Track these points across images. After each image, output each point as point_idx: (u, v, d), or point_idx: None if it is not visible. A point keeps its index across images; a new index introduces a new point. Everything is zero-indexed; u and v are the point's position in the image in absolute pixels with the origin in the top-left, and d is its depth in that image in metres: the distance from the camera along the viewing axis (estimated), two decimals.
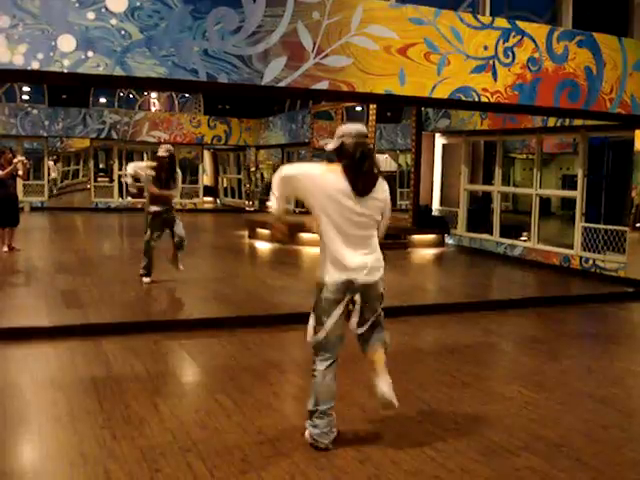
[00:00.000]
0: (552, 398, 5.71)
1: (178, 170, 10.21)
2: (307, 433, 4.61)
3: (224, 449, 4.44)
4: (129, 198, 25.23)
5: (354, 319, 4.52)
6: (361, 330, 4.57)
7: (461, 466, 4.28)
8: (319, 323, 4.57)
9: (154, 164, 9.98)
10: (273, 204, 4.59)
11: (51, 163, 28.12)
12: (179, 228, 10.05)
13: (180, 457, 4.29)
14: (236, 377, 6.04)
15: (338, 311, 4.48)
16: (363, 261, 4.42)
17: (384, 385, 4.58)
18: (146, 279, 10.11)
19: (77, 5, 6.31)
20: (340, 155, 4.46)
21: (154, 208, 9.93)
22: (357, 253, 4.42)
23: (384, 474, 4.13)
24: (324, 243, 4.48)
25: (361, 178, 4.37)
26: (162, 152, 9.94)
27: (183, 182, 25.44)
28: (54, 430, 4.78)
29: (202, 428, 4.80)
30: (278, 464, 4.23)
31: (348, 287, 4.43)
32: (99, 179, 27.84)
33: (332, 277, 4.42)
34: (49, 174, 26.19)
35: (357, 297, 4.46)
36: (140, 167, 10.14)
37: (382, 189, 4.51)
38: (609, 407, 5.54)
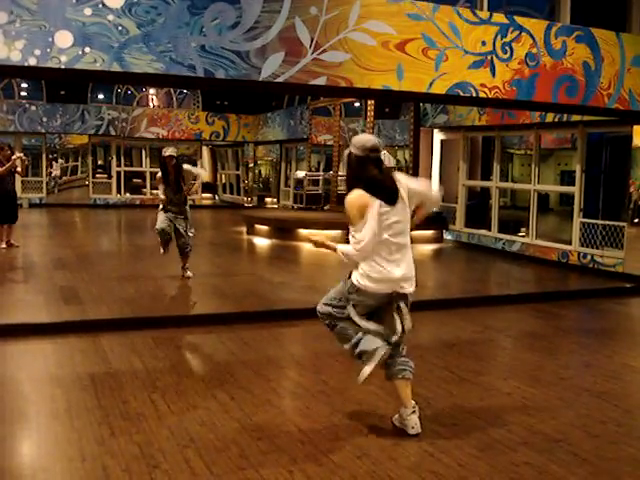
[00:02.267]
0: (550, 393, 5.72)
1: (185, 166, 10.23)
2: (361, 373, 4.63)
3: (222, 445, 4.44)
4: (128, 195, 25.24)
5: (406, 320, 4.66)
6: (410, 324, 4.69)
7: (459, 461, 4.28)
8: (343, 308, 4.73)
9: (158, 173, 10.10)
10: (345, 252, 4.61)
11: (53, 162, 28.15)
12: (182, 237, 10.13)
13: (178, 453, 4.30)
14: (234, 373, 6.04)
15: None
16: (406, 273, 4.62)
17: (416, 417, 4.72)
18: (161, 250, 10.29)
19: (74, 1, 6.30)
20: (347, 165, 4.63)
21: (167, 207, 10.10)
22: (403, 264, 4.60)
23: (382, 469, 4.13)
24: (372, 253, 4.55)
25: (386, 188, 4.52)
26: (169, 152, 9.98)
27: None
28: (52, 426, 4.78)
29: (200, 424, 4.81)
30: (276, 460, 4.23)
31: (391, 297, 4.61)
32: (97, 175, 27.81)
33: (377, 287, 4.56)
34: (51, 172, 26.21)
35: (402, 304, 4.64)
36: (163, 191, 10.16)
37: (401, 186, 4.60)
38: (607, 402, 5.54)
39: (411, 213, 4.71)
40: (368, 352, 4.58)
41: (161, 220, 10.03)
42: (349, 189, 4.61)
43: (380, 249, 4.53)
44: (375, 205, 4.46)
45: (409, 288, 4.65)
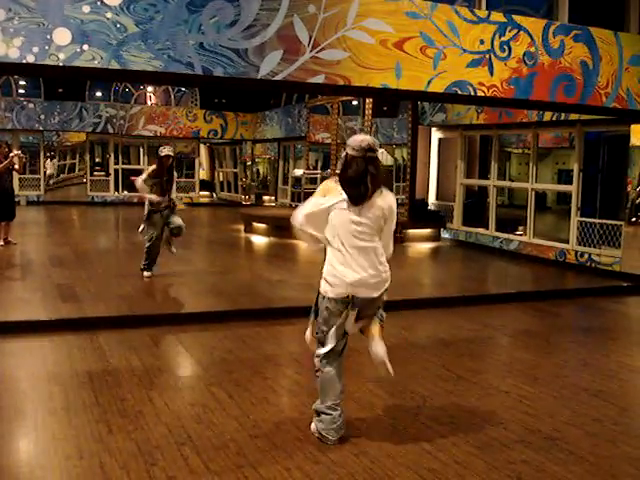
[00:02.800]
0: (547, 392, 5.73)
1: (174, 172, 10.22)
2: (313, 427, 4.62)
3: (220, 443, 4.45)
4: (125, 192, 25.25)
5: (349, 324, 4.55)
6: (354, 330, 4.61)
7: (456, 459, 4.29)
8: (320, 331, 4.59)
9: (153, 167, 10.03)
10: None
11: (48, 161, 28.14)
12: (176, 219, 10.07)
13: (176, 450, 4.30)
14: (232, 371, 6.05)
15: (340, 321, 4.50)
16: (363, 277, 4.44)
17: (378, 347, 4.58)
18: (147, 273, 10.15)
19: None
20: (343, 165, 4.53)
21: (154, 207, 10.03)
22: (359, 268, 4.44)
23: (380, 467, 4.14)
24: (329, 254, 4.52)
25: (354, 188, 4.40)
26: (167, 151, 9.96)
27: (179, 176, 25.35)
28: (50, 423, 4.78)
29: (198, 422, 4.81)
30: (274, 458, 4.24)
31: (349, 301, 4.47)
32: (95, 173, 27.81)
33: (334, 291, 4.45)
34: (45, 171, 26.20)
35: (354, 311, 4.50)
36: (143, 179, 10.06)
37: (385, 199, 4.50)
38: (604, 401, 5.56)
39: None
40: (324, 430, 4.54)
41: (153, 230, 10.03)
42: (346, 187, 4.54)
43: (336, 248, 4.46)
44: (339, 198, 4.42)
45: (370, 293, 4.49)
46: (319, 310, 4.56)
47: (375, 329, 4.63)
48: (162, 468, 4.05)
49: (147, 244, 10.05)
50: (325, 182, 4.61)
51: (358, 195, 4.40)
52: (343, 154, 4.59)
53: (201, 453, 4.28)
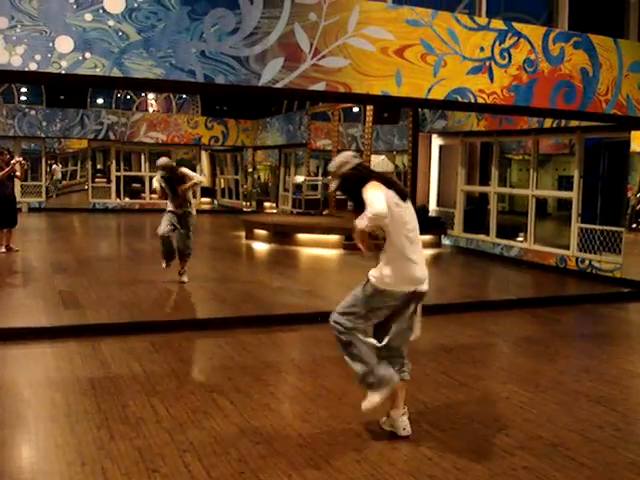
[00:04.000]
0: (548, 398, 5.74)
1: (184, 171, 10.22)
2: (369, 401, 4.65)
3: (221, 449, 4.46)
4: (127, 199, 25.33)
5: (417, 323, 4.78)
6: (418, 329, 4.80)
7: (457, 466, 4.30)
8: (361, 316, 4.67)
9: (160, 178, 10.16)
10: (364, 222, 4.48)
11: (55, 166, 28.25)
12: (181, 242, 10.22)
13: (177, 457, 4.31)
14: (233, 377, 6.06)
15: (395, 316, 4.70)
16: (425, 272, 4.73)
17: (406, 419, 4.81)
18: (163, 264, 10.34)
19: (75, 6, 6.34)
20: (347, 182, 4.63)
21: (170, 208, 10.22)
22: (422, 262, 4.71)
23: (381, 474, 4.15)
24: (391, 252, 4.59)
25: (394, 185, 4.62)
26: (158, 164, 10.11)
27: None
28: (52, 430, 4.79)
29: (199, 428, 4.82)
30: (275, 464, 4.25)
31: (410, 296, 4.65)
32: (97, 180, 27.84)
33: (399, 286, 4.59)
34: (52, 176, 26.29)
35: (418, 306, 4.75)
36: (157, 179, 10.23)
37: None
38: (605, 407, 5.56)
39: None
40: (385, 379, 4.59)
41: (164, 224, 10.09)
42: (353, 195, 4.61)
43: (400, 246, 4.56)
44: (391, 193, 4.52)
45: (426, 287, 4.72)
46: (367, 298, 4.64)
47: (402, 394, 4.83)
48: (164, 475, 4.06)
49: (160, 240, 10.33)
50: (370, 185, 4.49)
51: (402, 190, 4.65)
52: (351, 165, 4.65)
53: (202, 459, 4.29)
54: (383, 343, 4.69)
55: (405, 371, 4.78)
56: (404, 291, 4.59)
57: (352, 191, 4.62)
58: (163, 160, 10.17)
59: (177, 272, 10.32)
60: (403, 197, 4.60)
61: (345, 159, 4.71)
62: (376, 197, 4.34)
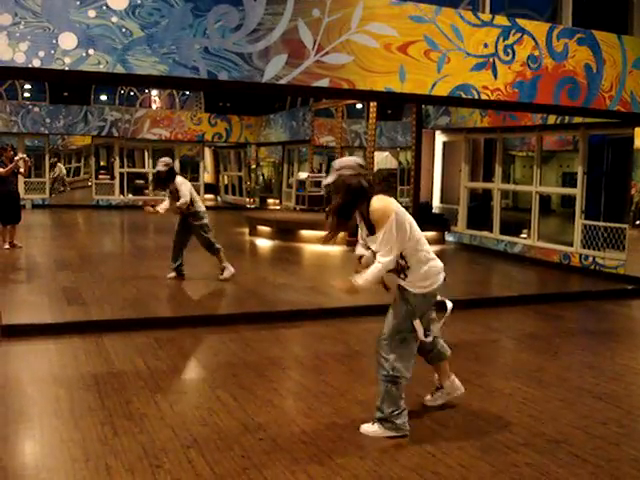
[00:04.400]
0: (551, 394, 5.73)
1: (178, 180, 10.16)
2: (372, 430, 4.74)
3: (225, 445, 4.46)
4: (130, 196, 25.36)
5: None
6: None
7: (460, 462, 4.30)
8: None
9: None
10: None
11: (59, 164, 28.32)
12: (201, 239, 10.29)
13: (181, 453, 4.32)
14: (237, 374, 6.06)
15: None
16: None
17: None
18: (170, 274, 10.41)
19: (78, 3, 6.34)
20: (346, 188, 4.56)
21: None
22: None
23: (384, 470, 4.16)
24: (415, 260, 4.66)
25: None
26: (158, 167, 10.11)
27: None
28: (55, 426, 4.80)
29: (203, 424, 4.83)
30: (279, 460, 4.25)
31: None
32: (100, 176, 27.87)
33: (433, 286, 4.78)
34: (56, 174, 26.38)
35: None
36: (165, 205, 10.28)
37: None
38: (608, 403, 5.56)
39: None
40: (399, 428, 4.69)
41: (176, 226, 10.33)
42: (348, 209, 4.59)
43: (421, 243, 4.66)
44: (401, 208, 4.60)
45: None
46: (414, 310, 4.75)
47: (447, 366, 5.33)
48: (167, 470, 4.07)
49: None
50: (384, 201, 4.53)
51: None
52: (334, 179, 4.61)
53: (206, 455, 4.29)
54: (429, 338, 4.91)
55: (447, 349, 5.26)
56: (440, 284, 4.82)
57: (348, 199, 4.57)
58: (161, 160, 10.21)
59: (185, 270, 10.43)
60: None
61: (343, 165, 4.64)
62: (392, 236, 4.46)
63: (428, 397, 5.32)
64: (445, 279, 4.85)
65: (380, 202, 4.50)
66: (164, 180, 10.04)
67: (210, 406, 5.22)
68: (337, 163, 4.70)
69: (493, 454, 4.46)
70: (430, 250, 4.76)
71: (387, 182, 23.73)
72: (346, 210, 4.59)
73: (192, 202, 10.07)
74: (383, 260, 4.47)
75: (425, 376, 5.90)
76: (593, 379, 6.24)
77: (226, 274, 10.30)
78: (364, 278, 4.52)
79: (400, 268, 4.63)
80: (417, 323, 4.72)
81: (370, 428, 4.72)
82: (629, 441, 4.78)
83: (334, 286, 4.83)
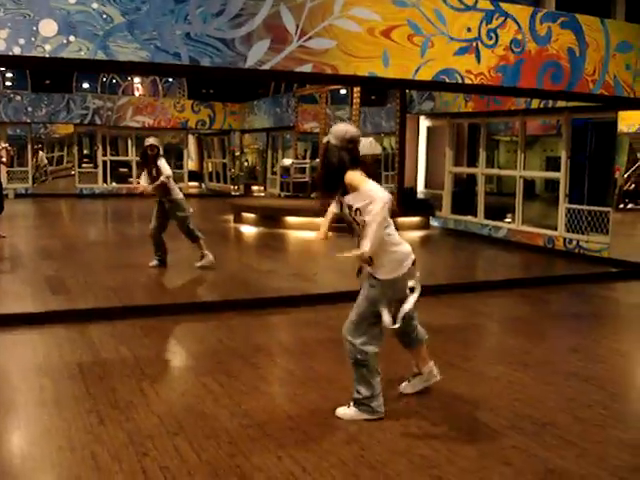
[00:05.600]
0: (537, 378, 5.76)
1: (161, 161, 10.09)
2: (348, 414, 4.75)
3: (211, 432, 4.46)
4: (114, 184, 25.21)
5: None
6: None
7: (447, 446, 4.31)
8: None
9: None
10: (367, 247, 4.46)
11: (40, 153, 28.11)
12: (180, 225, 10.18)
13: (167, 440, 4.31)
14: (223, 361, 6.06)
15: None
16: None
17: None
18: (151, 262, 10.30)
19: None
20: (325, 153, 4.61)
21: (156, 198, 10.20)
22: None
23: (371, 454, 4.16)
24: (386, 241, 4.61)
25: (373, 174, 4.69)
26: (151, 141, 9.99)
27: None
28: (41, 415, 4.78)
29: (189, 412, 4.82)
30: (265, 446, 4.25)
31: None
32: (83, 165, 27.70)
33: (406, 266, 4.74)
34: (37, 162, 26.21)
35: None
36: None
37: None
38: (594, 386, 5.59)
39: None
40: (375, 410, 4.71)
41: (153, 217, 10.18)
42: (326, 176, 4.62)
43: (389, 228, 4.63)
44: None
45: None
46: (381, 296, 4.69)
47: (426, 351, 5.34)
48: (154, 458, 4.06)
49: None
50: (353, 173, 4.53)
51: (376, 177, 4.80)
52: (325, 141, 4.68)
53: (193, 442, 4.29)
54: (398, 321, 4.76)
55: (422, 332, 5.21)
56: (409, 267, 4.73)
57: (324, 172, 4.64)
58: (155, 138, 10.15)
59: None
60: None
61: (335, 132, 4.63)
62: (379, 188, 4.48)
63: (404, 384, 5.25)
64: (414, 263, 4.76)
65: (354, 174, 4.51)
66: (154, 157, 9.93)
67: (196, 393, 5.21)
68: (332, 128, 4.70)
69: (479, 437, 4.48)
70: (396, 234, 4.71)
71: (372, 167, 23.69)
72: (327, 182, 4.65)
73: (170, 189, 9.99)
74: (374, 215, 4.36)
75: (410, 360, 5.91)
76: (578, 362, 6.28)
77: (204, 262, 10.24)
78: (368, 244, 4.40)
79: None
80: (383, 309, 4.66)
81: (346, 411, 4.73)
82: (614, 423, 4.81)
83: (344, 255, 4.67)
